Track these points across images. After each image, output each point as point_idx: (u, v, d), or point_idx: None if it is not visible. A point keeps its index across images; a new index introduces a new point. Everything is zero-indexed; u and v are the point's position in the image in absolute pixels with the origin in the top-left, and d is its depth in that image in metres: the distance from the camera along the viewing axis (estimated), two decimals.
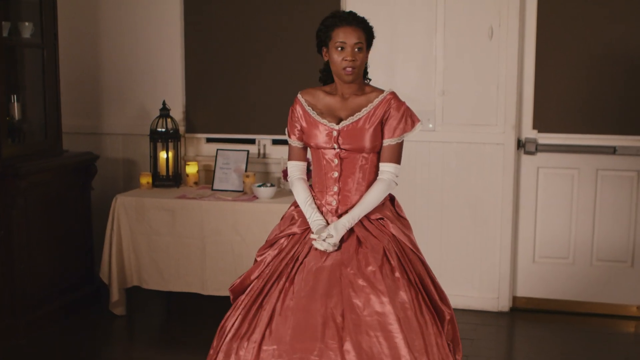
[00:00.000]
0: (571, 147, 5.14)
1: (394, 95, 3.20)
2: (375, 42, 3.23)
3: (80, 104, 5.75)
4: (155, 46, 5.61)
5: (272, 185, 5.03)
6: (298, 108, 3.27)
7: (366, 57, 3.18)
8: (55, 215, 5.04)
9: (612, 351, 4.66)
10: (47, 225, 4.97)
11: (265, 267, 3.16)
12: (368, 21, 3.18)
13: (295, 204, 3.30)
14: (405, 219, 3.27)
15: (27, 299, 4.77)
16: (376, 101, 3.17)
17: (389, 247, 3.06)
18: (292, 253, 3.13)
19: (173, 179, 5.38)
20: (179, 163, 5.44)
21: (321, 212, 3.18)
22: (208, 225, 4.94)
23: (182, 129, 5.57)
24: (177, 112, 5.57)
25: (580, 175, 5.16)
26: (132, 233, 5.06)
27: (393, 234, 3.12)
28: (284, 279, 3.05)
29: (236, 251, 4.90)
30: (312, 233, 3.13)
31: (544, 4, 5.05)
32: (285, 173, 5.10)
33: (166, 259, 5.02)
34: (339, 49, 3.11)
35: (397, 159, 3.20)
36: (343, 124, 3.16)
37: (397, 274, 3.02)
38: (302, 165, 3.34)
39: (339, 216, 3.15)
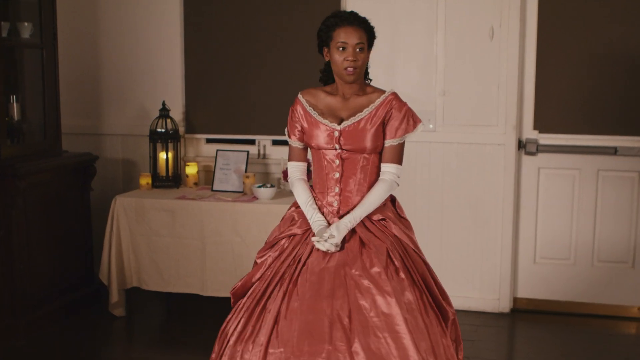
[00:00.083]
0: (572, 147, 5.13)
1: (395, 95, 3.19)
2: (375, 42, 3.22)
3: (80, 104, 5.73)
4: (155, 46, 5.60)
5: (272, 186, 5.02)
6: (299, 108, 3.26)
7: (367, 57, 3.17)
8: (54, 215, 5.03)
9: (612, 352, 4.65)
10: (47, 226, 4.96)
11: (267, 269, 3.15)
12: (369, 21, 3.17)
13: (295, 205, 3.29)
14: (406, 220, 3.26)
15: (26, 299, 4.76)
16: (378, 101, 3.16)
17: (392, 248, 3.06)
18: (293, 254, 3.11)
19: (173, 180, 5.37)
20: (178, 164, 5.43)
21: (322, 213, 3.17)
22: (208, 226, 4.93)
23: (181, 129, 5.56)
24: (177, 112, 5.56)
25: (581, 176, 5.15)
26: (131, 234, 5.05)
27: (395, 235, 3.12)
28: (287, 281, 3.03)
29: (236, 252, 4.89)
30: (314, 234, 3.12)
31: (544, 4, 5.04)
32: (285, 174, 5.08)
33: (166, 260, 5.01)
34: (341, 49, 3.10)
35: (399, 160, 3.19)
36: (344, 124, 3.14)
37: (402, 275, 3.01)
38: (302, 165, 3.33)
39: (340, 217, 3.14)
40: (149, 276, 5.06)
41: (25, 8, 5.10)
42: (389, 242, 3.07)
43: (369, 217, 3.14)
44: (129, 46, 5.64)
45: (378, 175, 3.19)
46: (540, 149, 5.16)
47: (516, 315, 5.23)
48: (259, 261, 3.21)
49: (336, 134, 3.14)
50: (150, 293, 5.26)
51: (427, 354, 2.88)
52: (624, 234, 5.13)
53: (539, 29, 5.07)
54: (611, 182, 5.12)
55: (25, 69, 5.22)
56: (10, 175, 4.63)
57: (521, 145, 5.18)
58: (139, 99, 5.66)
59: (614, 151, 5.06)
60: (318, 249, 3.07)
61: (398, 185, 3.20)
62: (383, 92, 3.20)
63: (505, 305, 5.24)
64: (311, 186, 3.29)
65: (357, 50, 3.10)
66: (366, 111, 3.15)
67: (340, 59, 3.11)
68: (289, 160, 3.35)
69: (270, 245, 3.22)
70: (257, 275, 3.16)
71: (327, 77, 3.31)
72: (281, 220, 3.31)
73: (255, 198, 5.02)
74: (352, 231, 3.10)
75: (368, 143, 3.13)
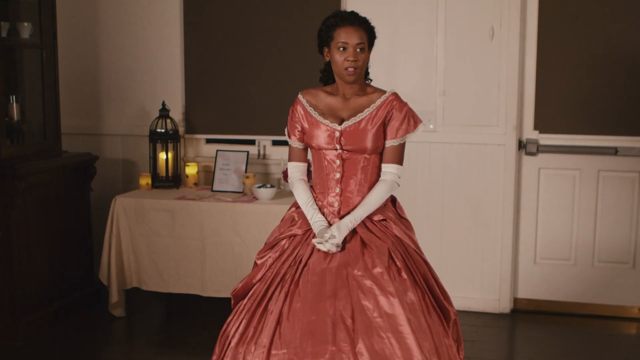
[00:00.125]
0: (572, 147, 5.12)
1: (396, 96, 3.18)
2: (376, 42, 3.22)
3: (80, 104, 5.73)
4: (154, 46, 5.59)
5: (272, 186, 5.01)
6: (299, 108, 3.25)
7: (368, 58, 3.16)
8: (54, 216, 5.02)
9: (613, 353, 4.64)
10: (47, 226, 4.95)
11: (267, 270, 3.14)
12: (370, 21, 3.17)
13: (295, 206, 3.29)
14: (407, 220, 3.26)
15: (26, 299, 4.76)
16: (378, 102, 3.16)
17: (394, 248, 3.05)
18: (294, 255, 3.11)
19: (173, 180, 5.36)
20: (178, 164, 5.42)
21: (323, 214, 3.17)
22: (208, 226, 4.92)
23: (181, 129, 5.55)
24: (177, 112, 5.55)
25: (581, 176, 5.14)
26: (131, 234, 5.04)
27: (396, 235, 3.11)
28: (288, 282, 3.03)
29: (236, 252, 4.89)
30: (314, 235, 3.11)
31: (545, 4, 5.04)
32: (285, 174, 5.08)
33: (166, 260, 5.01)
34: (341, 49, 3.10)
35: (400, 160, 3.19)
36: (345, 124, 3.14)
37: (404, 275, 3.01)
38: (302, 166, 3.32)
39: (341, 217, 3.13)
40: (149, 276, 5.05)
41: (25, 8, 5.09)
42: (390, 243, 3.07)
43: (369, 217, 3.13)
44: (128, 46, 5.64)
45: (379, 175, 3.19)
46: (540, 149, 5.16)
47: (516, 315, 5.22)
48: (259, 262, 3.20)
49: (337, 134, 3.14)
50: (150, 293, 5.26)
51: (431, 354, 2.88)
52: (625, 234, 5.12)
53: (539, 29, 5.07)
54: (612, 183, 5.11)
55: (25, 69, 5.21)
56: (10, 176, 4.63)
57: (521, 145, 5.17)
58: (138, 99, 5.65)
59: (614, 151, 5.06)
60: (319, 250, 3.07)
61: (399, 185, 3.19)
62: (384, 92, 3.19)
63: (505, 306, 5.23)
64: (311, 186, 3.29)
65: (358, 50, 3.10)
66: (367, 111, 3.14)
67: (340, 59, 3.10)
68: (289, 160, 3.34)
69: (270, 246, 3.21)
70: (258, 277, 3.15)
71: (327, 77, 3.31)
72: (281, 221, 3.31)
73: (255, 198, 5.01)
74: (353, 231, 3.10)
75: (369, 143, 3.13)
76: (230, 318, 3.14)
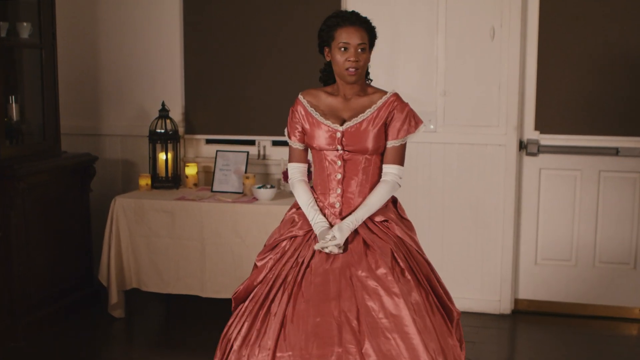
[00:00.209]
0: (573, 148, 5.11)
1: (397, 96, 3.17)
2: (376, 42, 3.21)
3: (79, 104, 5.72)
4: (154, 46, 5.58)
5: (272, 187, 5.00)
6: (300, 109, 3.24)
7: (369, 58, 3.15)
8: (53, 216, 5.01)
9: (614, 354, 4.64)
10: (46, 227, 4.94)
11: (268, 271, 3.13)
12: (371, 21, 3.16)
13: (296, 207, 3.28)
14: (408, 221, 3.25)
15: (26, 300, 4.75)
16: (380, 102, 3.15)
17: (396, 249, 3.05)
18: (295, 256, 3.10)
19: (172, 181, 5.35)
20: (178, 164, 5.41)
21: (324, 215, 3.15)
22: (208, 227, 4.91)
23: (181, 130, 5.54)
24: (177, 113, 5.54)
25: (582, 177, 5.13)
26: (131, 235, 5.03)
27: (398, 236, 3.11)
28: (291, 284, 3.02)
29: (236, 253, 4.87)
30: (315, 236, 3.10)
31: (545, 4, 5.03)
32: (285, 174, 5.07)
33: (165, 261, 4.99)
34: (342, 49, 3.09)
35: (401, 161, 3.18)
36: (346, 125, 3.13)
37: (407, 276, 3.02)
38: (302, 167, 3.31)
39: (342, 218, 3.12)
40: (149, 277, 5.04)
41: (25, 8, 5.08)
42: (393, 244, 3.06)
43: (371, 218, 3.12)
44: (128, 46, 5.63)
45: (380, 176, 3.18)
46: (541, 149, 5.14)
47: (517, 316, 5.21)
48: (259, 264, 3.19)
49: (338, 135, 3.13)
50: (149, 294, 5.25)
51: (437, 354, 2.89)
52: (626, 235, 5.11)
53: (540, 29, 5.06)
54: (612, 183, 5.10)
55: (24, 69, 5.20)
56: (9, 176, 4.62)
57: (522, 146, 5.16)
58: (138, 100, 5.64)
59: (615, 152, 5.05)
60: (321, 251, 3.05)
61: (400, 186, 3.18)
62: (385, 92, 3.18)
63: (506, 307, 5.22)
64: (312, 187, 3.27)
65: (359, 50, 3.09)
66: (368, 112, 3.13)
67: (342, 59, 3.09)
68: (289, 161, 3.33)
69: (270, 247, 3.20)
70: (259, 279, 3.14)
71: (327, 77, 3.30)
72: (281, 222, 3.29)
73: (255, 199, 5.00)
74: (355, 232, 3.09)
75: (370, 144, 3.12)
76: (231, 321, 3.13)
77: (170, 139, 5.34)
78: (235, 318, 3.12)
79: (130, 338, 5.04)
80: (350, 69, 3.09)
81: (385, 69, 5.09)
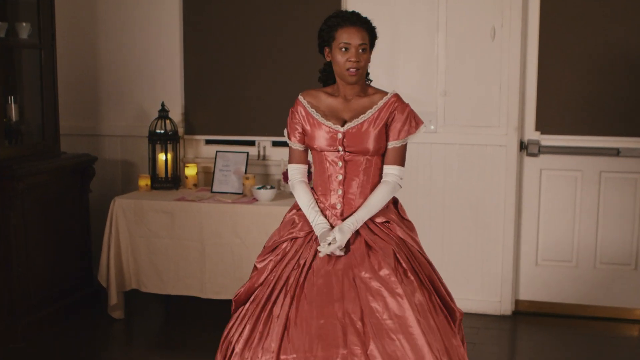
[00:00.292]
0: (574, 148, 5.10)
1: (397, 97, 3.16)
2: (376, 42, 3.20)
3: (78, 105, 5.71)
4: (154, 47, 5.57)
5: (272, 188, 4.99)
6: (300, 109, 3.22)
7: (369, 58, 3.14)
8: (53, 217, 5.00)
9: (615, 355, 4.63)
10: (45, 227, 4.93)
11: (269, 273, 3.12)
12: (371, 21, 3.15)
13: (296, 208, 3.27)
14: (409, 221, 3.24)
15: (25, 301, 4.74)
16: (380, 103, 3.14)
17: (398, 250, 3.05)
18: (297, 258, 3.08)
19: (172, 181, 5.34)
20: (177, 165, 5.40)
21: (325, 216, 3.14)
22: (207, 227, 4.90)
23: (181, 130, 5.53)
24: (176, 113, 5.53)
25: (583, 177, 5.12)
26: (130, 236, 5.02)
27: (400, 237, 3.10)
28: (293, 286, 3.01)
29: (236, 254, 4.86)
30: (316, 237, 3.09)
31: (546, 4, 5.02)
32: (285, 175, 5.05)
33: (165, 262, 4.98)
34: (343, 49, 3.08)
35: (402, 161, 3.17)
36: (348, 126, 3.12)
37: (410, 276, 3.01)
38: (303, 168, 3.30)
39: (344, 219, 3.11)
40: (148, 278, 5.03)
41: (24, 8, 5.07)
42: (394, 244, 3.06)
43: (372, 219, 3.11)
44: (128, 47, 5.61)
45: (381, 177, 3.17)
46: (542, 150, 5.13)
47: (518, 317, 5.20)
48: (259, 266, 3.18)
49: (339, 135, 3.11)
50: (149, 295, 5.24)
51: (441, 354, 2.89)
52: (627, 236, 5.10)
53: (540, 30, 5.04)
54: (613, 184, 5.09)
55: (23, 70, 5.19)
56: (9, 177, 4.61)
57: (523, 146, 5.15)
58: (137, 100, 5.63)
59: (616, 152, 5.04)
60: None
61: (401, 187, 3.17)
62: (385, 93, 3.17)
63: (507, 308, 5.21)
64: (312, 188, 3.26)
65: (360, 51, 3.08)
66: (369, 113, 3.13)
67: (342, 60, 3.08)
68: (289, 162, 3.32)
69: (270, 249, 3.19)
70: (260, 281, 3.13)
71: (326, 78, 3.29)
72: (280, 223, 3.28)
73: (255, 199, 4.99)
74: (357, 234, 3.08)
75: (371, 145, 3.11)
76: (231, 323, 3.12)
77: (169, 139, 5.33)
78: (236, 320, 3.11)
79: (129, 339, 5.03)
80: (351, 70, 3.08)
81: (386, 69, 5.08)
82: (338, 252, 3.02)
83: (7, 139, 4.83)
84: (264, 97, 5.42)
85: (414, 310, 2.90)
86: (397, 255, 3.03)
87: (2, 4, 4.93)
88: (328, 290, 2.96)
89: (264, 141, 5.52)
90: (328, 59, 3.18)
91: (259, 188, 4.98)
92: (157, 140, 5.33)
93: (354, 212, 3.11)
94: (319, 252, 3.01)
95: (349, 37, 3.07)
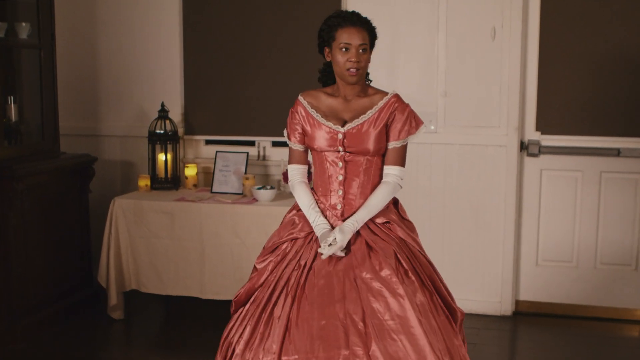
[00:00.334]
0: (575, 149, 5.09)
1: (397, 97, 3.16)
2: (376, 42, 3.19)
3: (78, 105, 5.70)
4: (153, 47, 5.56)
5: (272, 188, 4.99)
6: (300, 110, 3.22)
7: (369, 58, 3.14)
8: (52, 217, 4.99)
9: (615, 356, 4.62)
10: (45, 228, 4.92)
11: (269, 274, 3.11)
12: (372, 21, 3.14)
13: (296, 208, 3.26)
14: (409, 222, 3.24)
15: (25, 302, 4.73)
16: (381, 103, 3.13)
17: (399, 250, 3.04)
18: (297, 258, 3.08)
19: (172, 182, 5.33)
20: (177, 165, 5.39)
21: (325, 216, 3.13)
22: (207, 228, 4.89)
23: (180, 130, 5.52)
24: (176, 113, 5.52)
25: (583, 178, 5.11)
26: (130, 236, 5.01)
27: (400, 237, 3.09)
28: (294, 287, 3.00)
29: (236, 254, 4.86)
30: (316, 238, 3.08)
31: (547, 5, 5.01)
32: (285, 175, 5.04)
33: (165, 263, 4.98)
34: (343, 49, 3.07)
35: (402, 162, 3.17)
36: (348, 126, 3.11)
37: (411, 277, 3.01)
38: (303, 168, 3.29)
39: (344, 220, 3.10)
40: (148, 279, 5.02)
41: (23, 8, 5.06)
42: (395, 245, 3.05)
43: (372, 220, 3.11)
44: (127, 47, 5.61)
45: (381, 177, 3.16)
46: (542, 150, 5.13)
47: (518, 318, 5.20)
48: (259, 267, 3.17)
49: (340, 136, 3.11)
50: (149, 296, 5.23)
51: (443, 354, 2.89)
52: (627, 236, 5.09)
53: (541, 30, 5.04)
54: (614, 184, 5.08)
55: (23, 70, 5.18)
56: (8, 177, 4.60)
57: (523, 146, 5.14)
58: (137, 100, 5.63)
59: (616, 153, 5.03)
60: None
61: (401, 187, 3.17)
62: (385, 93, 3.17)
63: (507, 308, 5.20)
64: (312, 189, 3.25)
65: (360, 51, 3.07)
66: (369, 113, 3.12)
67: (343, 60, 3.07)
68: (289, 163, 3.31)
69: (270, 250, 3.18)
70: (260, 281, 3.12)
71: (326, 78, 3.28)
72: (280, 224, 3.27)
73: (255, 200, 4.98)
74: (357, 234, 3.07)
75: (371, 145, 3.10)
76: (231, 324, 3.11)
77: (169, 139, 5.32)
78: (235, 321, 3.10)
79: (129, 339, 5.02)
80: (352, 70, 3.07)
81: (386, 70, 5.07)
82: (339, 253, 3.01)
83: (6, 139, 4.82)
84: (264, 97, 5.41)
85: (416, 310, 2.89)
86: (398, 255, 3.02)
87: (1, 4, 4.92)
88: (329, 291, 2.95)
89: (264, 141, 5.51)
90: (328, 59, 3.17)
91: (259, 188, 4.97)
92: (156, 140, 5.32)
93: (355, 212, 3.10)
94: (321, 254, 3.01)
95: (349, 37, 3.06)
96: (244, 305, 3.13)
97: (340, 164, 3.13)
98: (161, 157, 5.32)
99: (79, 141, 5.63)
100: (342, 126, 3.12)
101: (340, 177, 3.14)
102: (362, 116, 3.12)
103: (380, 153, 3.14)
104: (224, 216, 4.87)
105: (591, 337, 4.89)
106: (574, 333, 4.96)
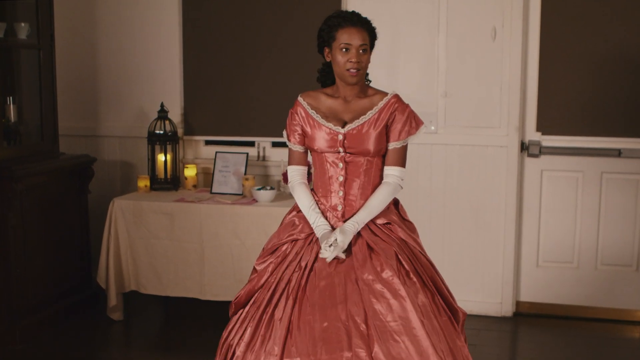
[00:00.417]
0: (575, 149, 5.08)
1: (397, 98, 3.15)
2: (376, 42, 3.18)
3: (77, 105, 5.69)
4: (153, 47, 5.55)
5: (272, 189, 4.98)
6: (300, 111, 3.20)
7: (369, 59, 3.12)
8: (52, 218, 4.98)
9: (616, 356, 4.61)
10: (44, 229, 4.92)
11: (270, 275, 3.10)
12: (371, 22, 3.13)
13: (296, 210, 3.25)
14: (410, 222, 3.23)
15: (24, 302, 4.73)
16: (381, 104, 3.12)
17: (400, 251, 3.03)
18: (297, 260, 3.07)
19: (171, 182, 5.32)
20: (177, 166, 5.38)
21: (326, 217, 3.12)
22: (207, 229, 4.88)
23: (180, 131, 5.52)
24: (176, 114, 5.51)
25: (584, 178, 5.10)
26: (129, 237, 5.00)
27: (401, 238, 3.08)
28: (295, 289, 2.99)
29: (235, 255, 4.85)
30: (317, 238, 3.07)
31: (547, 5, 5.00)
32: (285, 176, 5.03)
33: (164, 264, 4.97)
34: (344, 50, 3.06)
35: (402, 162, 3.16)
36: (348, 127, 3.10)
37: (413, 278, 3.00)
38: (302, 169, 3.28)
39: (345, 221, 3.09)
40: (147, 280, 5.01)
41: (23, 8, 5.05)
42: (396, 246, 3.04)
43: (373, 221, 3.10)
44: (127, 47, 5.60)
45: (381, 177, 3.15)
46: (543, 150, 5.11)
47: (519, 319, 5.19)
48: (259, 268, 3.16)
49: (340, 137, 3.10)
50: (148, 297, 5.22)
51: (446, 355, 2.88)
52: (628, 237, 5.08)
53: (541, 30, 5.03)
54: (615, 185, 5.07)
55: (22, 70, 5.18)
56: (7, 178, 4.59)
57: (524, 147, 5.13)
58: (137, 101, 5.62)
59: (617, 153, 5.02)
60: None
61: (402, 188, 3.16)
62: (385, 94, 3.16)
63: (507, 309, 5.19)
64: (312, 189, 3.24)
65: (361, 51, 3.06)
66: (370, 114, 3.11)
67: (343, 60, 3.06)
68: (289, 164, 3.30)
69: (270, 251, 3.17)
70: (260, 283, 3.11)
71: (325, 78, 3.27)
72: (280, 226, 3.26)
73: (254, 200, 4.97)
74: (358, 235, 3.06)
75: (372, 146, 3.09)
76: (230, 326, 3.10)
77: (169, 140, 5.31)
78: (235, 323, 3.09)
79: (129, 341, 5.01)
80: (352, 70, 3.06)
81: (386, 70, 5.06)
82: (340, 255, 3.00)
83: (5, 139, 4.82)
84: (264, 97, 5.40)
85: (418, 311, 2.89)
86: (399, 256, 3.01)
87: (1, 4, 4.91)
88: (330, 293, 2.94)
89: (264, 142, 5.50)
90: (328, 59, 3.16)
91: (259, 189, 4.96)
92: (156, 141, 5.32)
93: (355, 213, 3.09)
94: (326, 258, 2.99)
95: (349, 37, 3.05)
96: (244, 307, 3.12)
97: (341, 164, 3.12)
98: (161, 157, 5.31)
99: (78, 142, 5.63)
100: (342, 127, 3.11)
101: (341, 178, 3.13)
102: (362, 117, 3.11)
103: (381, 154, 3.13)
104: (223, 217, 4.86)
105: (592, 338, 4.88)
106: (575, 334, 4.95)
